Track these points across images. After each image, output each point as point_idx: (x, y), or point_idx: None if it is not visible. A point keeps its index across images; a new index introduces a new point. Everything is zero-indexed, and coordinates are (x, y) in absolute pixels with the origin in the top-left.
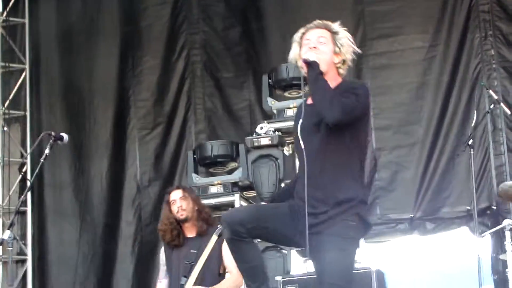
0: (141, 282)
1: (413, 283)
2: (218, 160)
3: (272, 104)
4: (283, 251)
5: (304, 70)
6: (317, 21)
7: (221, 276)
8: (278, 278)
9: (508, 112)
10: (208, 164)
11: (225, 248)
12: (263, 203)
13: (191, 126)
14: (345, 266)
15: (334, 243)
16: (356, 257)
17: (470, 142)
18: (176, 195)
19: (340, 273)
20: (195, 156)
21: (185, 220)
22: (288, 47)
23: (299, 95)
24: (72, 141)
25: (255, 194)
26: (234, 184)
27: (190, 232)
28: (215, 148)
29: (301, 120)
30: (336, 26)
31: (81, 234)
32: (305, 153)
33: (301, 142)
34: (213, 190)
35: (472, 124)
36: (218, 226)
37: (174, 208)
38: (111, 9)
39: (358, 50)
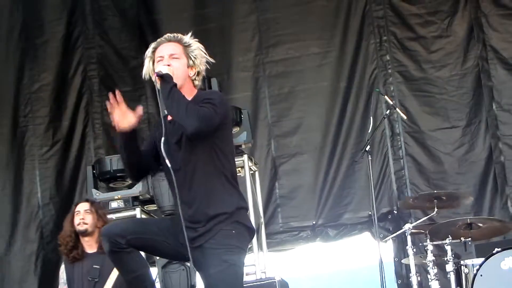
0: None
1: None
2: (118, 174)
3: None
4: (187, 264)
5: (157, 85)
6: (168, 35)
7: None
8: None
9: (404, 117)
10: (108, 179)
11: None
12: (163, 216)
13: (90, 142)
14: (231, 277)
15: (216, 255)
16: (246, 267)
17: (368, 148)
18: (81, 207)
19: (226, 285)
20: (94, 171)
21: (84, 233)
22: None
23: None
24: None
25: (156, 208)
26: (135, 198)
27: (91, 247)
28: (114, 162)
29: (163, 138)
30: (187, 38)
31: None
32: (172, 171)
33: (167, 160)
34: (114, 205)
35: (369, 130)
36: None
37: (76, 220)
38: (10, 26)
39: (211, 60)
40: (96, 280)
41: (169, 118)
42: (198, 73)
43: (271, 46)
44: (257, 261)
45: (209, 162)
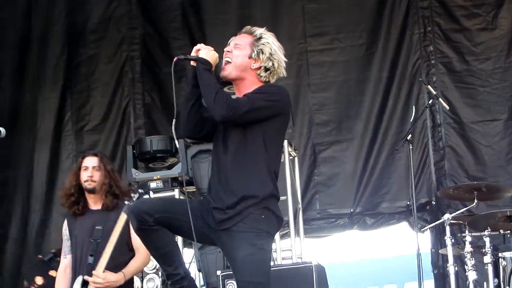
0: None
1: (353, 278)
2: (158, 155)
3: None
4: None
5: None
6: (246, 27)
7: (132, 252)
8: (218, 272)
9: (447, 107)
10: (148, 159)
11: None
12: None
13: (130, 122)
14: (259, 262)
15: (244, 238)
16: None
17: (409, 137)
18: (90, 162)
19: (253, 269)
20: (134, 151)
21: (92, 191)
22: (224, 41)
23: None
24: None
25: (195, 189)
26: (174, 179)
27: (95, 204)
28: (154, 143)
29: (173, 130)
30: (260, 31)
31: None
32: (222, 148)
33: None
34: (153, 185)
35: (411, 120)
36: (126, 203)
37: (83, 176)
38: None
39: (284, 58)
40: (98, 241)
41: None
42: (266, 69)
43: (315, 36)
44: (294, 246)
45: (254, 149)
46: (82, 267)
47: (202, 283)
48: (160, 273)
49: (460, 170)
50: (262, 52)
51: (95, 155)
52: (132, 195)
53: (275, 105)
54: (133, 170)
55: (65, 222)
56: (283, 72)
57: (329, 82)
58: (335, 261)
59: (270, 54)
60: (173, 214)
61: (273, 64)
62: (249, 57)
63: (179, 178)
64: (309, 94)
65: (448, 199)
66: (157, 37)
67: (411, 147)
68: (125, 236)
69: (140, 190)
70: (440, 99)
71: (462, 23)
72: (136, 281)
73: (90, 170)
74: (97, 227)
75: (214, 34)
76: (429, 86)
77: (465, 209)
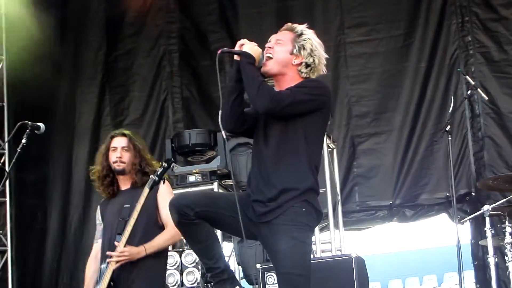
0: None
1: (393, 269)
2: (196, 148)
3: None
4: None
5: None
6: (287, 24)
7: (162, 229)
8: (258, 265)
9: (486, 97)
10: (186, 153)
11: (161, 199)
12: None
13: (169, 115)
14: (300, 254)
15: (285, 231)
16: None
17: (448, 128)
18: (119, 143)
19: (294, 261)
20: (173, 145)
21: (121, 172)
22: (263, 37)
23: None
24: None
25: (233, 183)
26: (213, 172)
27: (125, 184)
28: (193, 136)
29: (219, 122)
30: (301, 28)
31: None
32: (262, 141)
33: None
34: (191, 178)
35: (450, 110)
36: (151, 177)
37: (113, 157)
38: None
39: (325, 55)
40: (126, 219)
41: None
42: (307, 65)
43: (353, 27)
44: (333, 239)
45: (295, 142)
46: (112, 247)
47: (241, 276)
48: (199, 267)
49: (500, 160)
50: (304, 48)
51: (124, 135)
52: (158, 169)
53: (317, 99)
54: (172, 164)
55: (98, 207)
56: (323, 69)
57: (368, 73)
58: (375, 253)
59: (311, 50)
60: (214, 208)
61: (313, 60)
62: (290, 53)
63: (218, 172)
64: (347, 86)
65: (488, 190)
66: (194, 30)
67: (450, 138)
68: (152, 213)
69: (164, 163)
70: (479, 89)
71: (500, 12)
72: (176, 274)
73: (119, 150)
74: (125, 205)
75: (251, 27)
76: (467, 77)
77: (505, 199)
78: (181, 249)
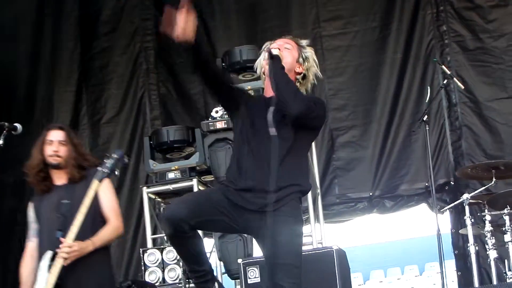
0: None
1: (374, 260)
2: (175, 145)
3: None
4: (244, 234)
5: (266, 68)
6: (289, 36)
7: (104, 223)
8: (239, 260)
9: (462, 86)
10: (165, 150)
11: (103, 194)
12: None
13: (146, 113)
14: (297, 247)
15: (286, 223)
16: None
17: (425, 118)
18: (55, 136)
19: (294, 253)
20: (151, 142)
21: (57, 167)
22: (241, 31)
23: (254, 77)
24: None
25: (213, 178)
26: (192, 169)
27: (60, 179)
28: (171, 133)
29: (273, 108)
30: (304, 42)
31: None
32: (264, 134)
33: (271, 129)
34: (170, 175)
35: (426, 100)
36: (98, 169)
37: (48, 150)
38: None
39: (320, 75)
40: (66, 215)
41: (269, 95)
42: (304, 77)
43: (329, 20)
44: (314, 232)
45: (302, 148)
46: (51, 244)
47: (223, 271)
48: (181, 264)
49: (478, 149)
50: (308, 60)
51: (61, 128)
52: (106, 160)
53: (324, 117)
54: (151, 161)
55: (30, 204)
56: (308, 87)
57: (344, 66)
58: (356, 245)
59: (311, 65)
60: (207, 216)
61: (310, 75)
62: (296, 61)
63: (197, 168)
64: (324, 79)
65: (467, 179)
66: None
67: (427, 128)
68: (96, 207)
69: (114, 155)
70: (455, 79)
71: (474, 1)
72: (157, 271)
73: (56, 144)
74: (63, 201)
75: (226, 22)
76: (443, 66)
77: (483, 188)
78: (162, 246)
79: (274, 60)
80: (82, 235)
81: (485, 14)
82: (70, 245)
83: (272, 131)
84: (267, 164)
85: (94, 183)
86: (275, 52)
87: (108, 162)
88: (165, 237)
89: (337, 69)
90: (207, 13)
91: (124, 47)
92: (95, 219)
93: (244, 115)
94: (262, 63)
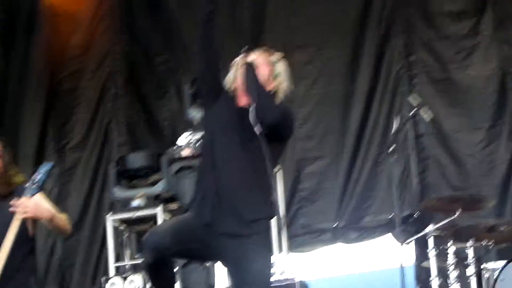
0: None
1: None
2: (140, 172)
3: (194, 114)
4: (206, 264)
5: (241, 78)
6: (263, 48)
7: (32, 241)
8: None
9: (429, 117)
10: (130, 177)
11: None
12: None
13: (113, 138)
14: (268, 277)
15: (259, 252)
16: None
17: (391, 149)
18: None
19: (264, 283)
20: (117, 168)
21: None
22: None
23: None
24: None
25: (177, 207)
26: (157, 196)
27: None
28: (137, 160)
29: (255, 105)
30: (277, 56)
31: None
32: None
33: (255, 127)
34: (135, 203)
35: (393, 131)
36: (27, 185)
37: None
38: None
39: (292, 88)
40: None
41: (241, 104)
42: (275, 92)
43: (299, 48)
44: (277, 262)
45: (267, 167)
46: None
47: None
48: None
49: (443, 180)
50: (279, 76)
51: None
52: (34, 175)
53: (294, 128)
54: (116, 188)
55: None
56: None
57: (313, 95)
58: (320, 277)
59: (283, 80)
60: (186, 245)
61: (280, 91)
62: (269, 76)
63: (162, 196)
64: (292, 108)
65: (432, 211)
66: (140, 52)
67: (393, 159)
68: (22, 227)
69: (43, 168)
70: (422, 109)
71: (444, 31)
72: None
73: None
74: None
75: (195, 48)
76: (411, 97)
77: (448, 220)
78: (124, 275)
79: (251, 67)
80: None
81: (455, 44)
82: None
83: (258, 129)
84: (243, 185)
85: (17, 217)
86: (251, 59)
87: (37, 177)
88: (127, 266)
89: (305, 97)
90: (177, 38)
91: (93, 71)
92: (21, 240)
93: (217, 125)
94: (232, 76)
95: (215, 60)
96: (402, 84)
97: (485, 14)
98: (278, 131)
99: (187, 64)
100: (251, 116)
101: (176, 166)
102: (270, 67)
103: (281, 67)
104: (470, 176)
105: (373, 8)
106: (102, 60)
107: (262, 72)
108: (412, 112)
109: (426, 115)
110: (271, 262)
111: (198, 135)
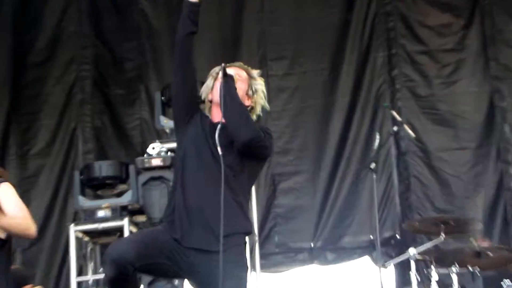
0: None
1: None
2: (107, 181)
3: (165, 122)
4: (175, 281)
5: (214, 93)
6: (239, 63)
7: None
8: None
9: (412, 135)
10: (96, 186)
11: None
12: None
13: (78, 145)
14: None
15: (231, 270)
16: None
17: (373, 166)
18: None
19: None
20: (82, 177)
21: None
22: None
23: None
24: None
25: (145, 219)
26: (123, 207)
27: None
28: (103, 168)
29: (220, 125)
30: (255, 73)
31: None
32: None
33: (219, 148)
34: (100, 213)
35: (375, 147)
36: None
37: None
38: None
39: (267, 107)
40: None
41: (215, 120)
42: (252, 109)
43: (276, 60)
44: (249, 283)
45: (247, 183)
46: None
47: None
48: None
49: (426, 201)
50: (256, 93)
51: None
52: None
53: (271, 149)
54: (80, 198)
55: None
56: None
57: (290, 108)
58: None
59: (260, 97)
60: (152, 260)
61: (257, 108)
62: (246, 93)
63: (129, 207)
64: (269, 121)
65: (414, 233)
66: (109, 57)
67: (374, 176)
68: None
69: None
70: (405, 126)
71: (429, 45)
72: None
73: None
74: None
75: (169, 57)
76: (393, 112)
77: (431, 243)
78: None
79: (228, 79)
80: None
81: (439, 59)
82: None
83: (220, 150)
84: (214, 200)
85: None
86: (230, 72)
87: None
88: (90, 280)
89: (282, 110)
90: (149, 45)
91: (59, 76)
92: None
93: (189, 141)
94: (209, 86)
95: (192, 77)
96: (384, 98)
97: (471, 28)
98: (253, 151)
99: (158, 70)
100: (216, 136)
101: (144, 177)
102: (247, 83)
103: (259, 85)
104: (455, 197)
105: (354, 19)
106: (69, 64)
107: (239, 88)
108: (395, 128)
109: (409, 131)
110: (246, 280)
111: (169, 144)
